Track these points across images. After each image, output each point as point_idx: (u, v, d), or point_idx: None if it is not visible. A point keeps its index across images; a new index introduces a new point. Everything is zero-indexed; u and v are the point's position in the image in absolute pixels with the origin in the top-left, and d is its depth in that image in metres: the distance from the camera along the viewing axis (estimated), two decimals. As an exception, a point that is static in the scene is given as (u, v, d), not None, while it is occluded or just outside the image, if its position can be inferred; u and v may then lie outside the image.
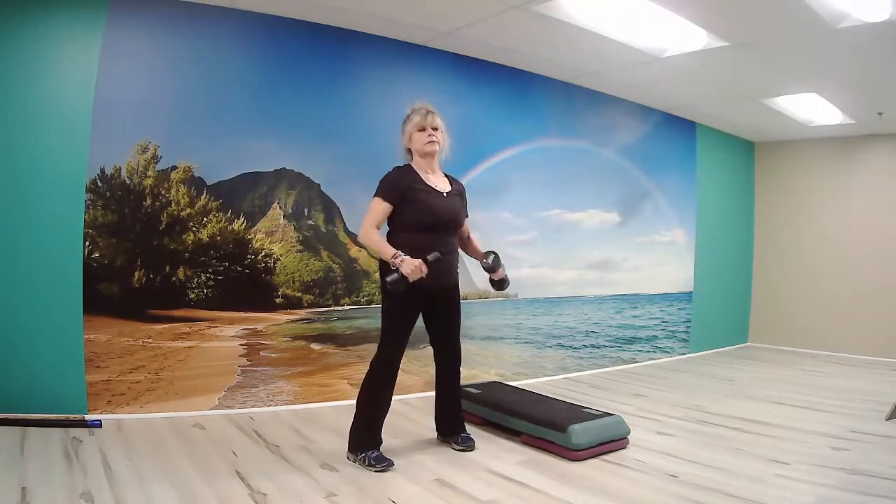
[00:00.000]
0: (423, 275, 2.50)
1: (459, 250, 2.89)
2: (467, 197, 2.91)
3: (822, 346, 6.09)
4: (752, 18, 3.35)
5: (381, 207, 2.62)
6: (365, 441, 2.64)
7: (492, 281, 2.90)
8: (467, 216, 2.89)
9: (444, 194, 2.72)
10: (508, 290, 4.61)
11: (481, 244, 2.97)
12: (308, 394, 3.62)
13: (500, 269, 2.85)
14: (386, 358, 2.67)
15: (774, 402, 4.00)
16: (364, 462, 2.58)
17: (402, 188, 2.64)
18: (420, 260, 2.50)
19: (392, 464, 2.58)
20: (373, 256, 2.87)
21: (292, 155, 3.62)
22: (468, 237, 2.95)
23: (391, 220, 2.69)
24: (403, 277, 2.48)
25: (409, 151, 2.76)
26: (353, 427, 2.69)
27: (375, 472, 2.53)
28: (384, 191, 2.64)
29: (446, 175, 2.83)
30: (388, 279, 2.51)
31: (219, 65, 3.40)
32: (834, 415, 3.65)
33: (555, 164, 4.80)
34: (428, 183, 2.70)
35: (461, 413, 2.97)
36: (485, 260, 2.85)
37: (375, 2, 3.38)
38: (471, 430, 3.00)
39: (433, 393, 2.95)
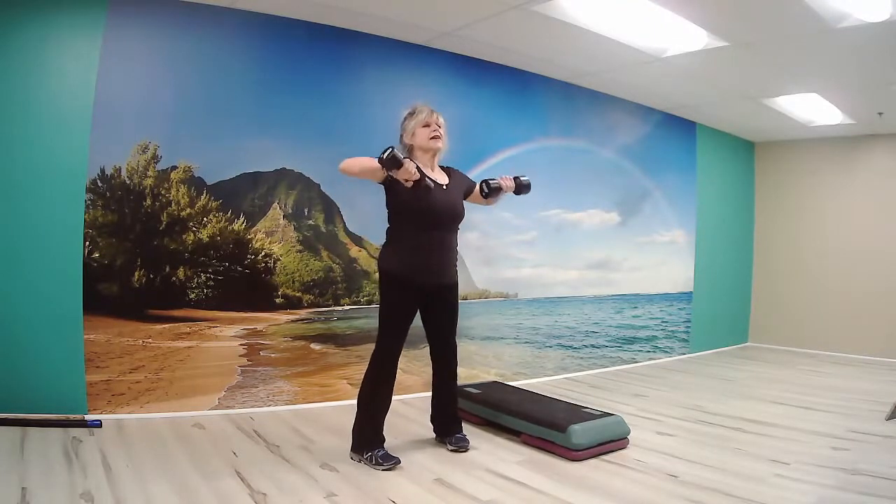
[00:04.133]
0: (415, 177, 2.47)
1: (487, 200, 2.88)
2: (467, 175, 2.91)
3: (822, 346, 6.08)
4: (752, 18, 3.35)
5: (372, 163, 2.50)
6: (369, 440, 2.63)
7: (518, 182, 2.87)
8: (475, 185, 2.88)
9: (444, 187, 2.73)
10: (508, 290, 4.65)
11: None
12: (308, 394, 3.62)
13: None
14: (384, 354, 2.67)
15: (774, 402, 4.00)
16: (371, 461, 2.57)
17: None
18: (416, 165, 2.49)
19: (399, 462, 2.58)
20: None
21: (292, 155, 3.62)
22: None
23: (390, 215, 2.69)
24: (397, 159, 2.41)
25: (409, 149, 2.75)
26: (355, 426, 2.69)
27: (383, 470, 2.53)
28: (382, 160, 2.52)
29: (442, 168, 2.84)
30: (384, 154, 2.43)
31: (219, 65, 3.40)
32: (834, 415, 3.65)
33: (555, 164, 4.80)
34: (428, 176, 2.69)
35: (458, 413, 2.97)
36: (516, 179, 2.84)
37: (375, 2, 3.38)
38: (471, 430, 3.00)
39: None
